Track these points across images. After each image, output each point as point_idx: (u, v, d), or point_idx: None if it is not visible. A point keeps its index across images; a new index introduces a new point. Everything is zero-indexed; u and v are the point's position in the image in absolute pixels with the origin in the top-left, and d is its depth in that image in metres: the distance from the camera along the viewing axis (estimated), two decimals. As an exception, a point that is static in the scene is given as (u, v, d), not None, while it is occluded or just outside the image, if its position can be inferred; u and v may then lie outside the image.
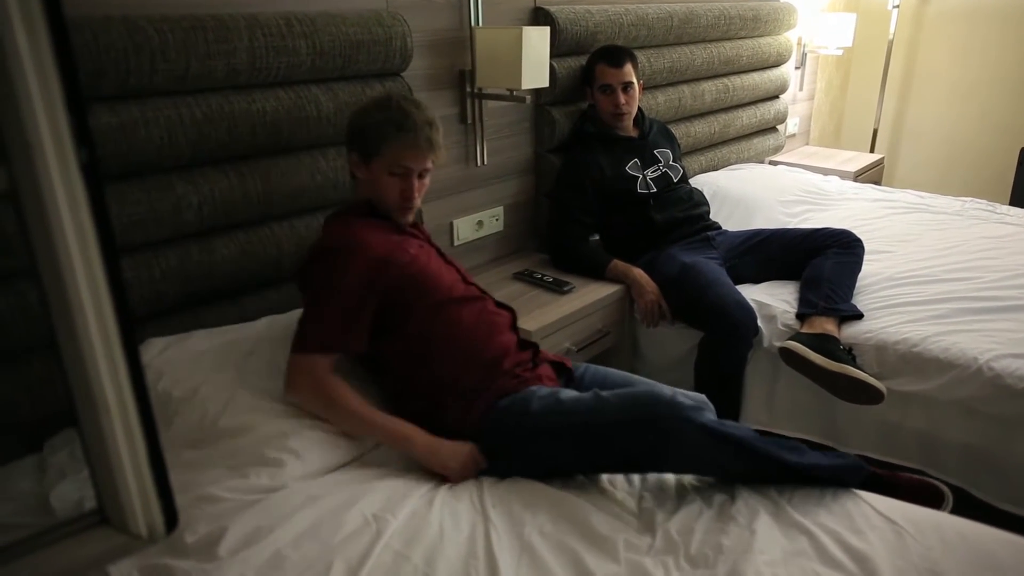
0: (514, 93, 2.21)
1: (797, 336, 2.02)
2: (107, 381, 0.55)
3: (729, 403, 2.16)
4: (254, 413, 1.41)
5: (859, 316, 2.08)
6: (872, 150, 4.41)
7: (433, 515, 1.23)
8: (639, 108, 2.52)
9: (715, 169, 3.26)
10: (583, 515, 1.27)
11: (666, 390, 1.43)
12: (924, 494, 1.48)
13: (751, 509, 1.30)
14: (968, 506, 1.67)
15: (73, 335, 0.53)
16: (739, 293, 2.16)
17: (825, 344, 1.97)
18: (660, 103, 2.86)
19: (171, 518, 0.61)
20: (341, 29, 1.79)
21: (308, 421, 1.43)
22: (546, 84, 2.23)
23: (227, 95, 1.65)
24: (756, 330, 2.12)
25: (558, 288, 2.24)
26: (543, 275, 2.31)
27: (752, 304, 2.14)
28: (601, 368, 1.72)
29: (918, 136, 4.55)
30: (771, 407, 2.18)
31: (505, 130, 2.47)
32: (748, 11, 3.23)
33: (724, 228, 2.56)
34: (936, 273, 2.30)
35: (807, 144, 4.46)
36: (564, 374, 1.66)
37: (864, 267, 2.28)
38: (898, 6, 4.15)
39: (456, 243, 2.38)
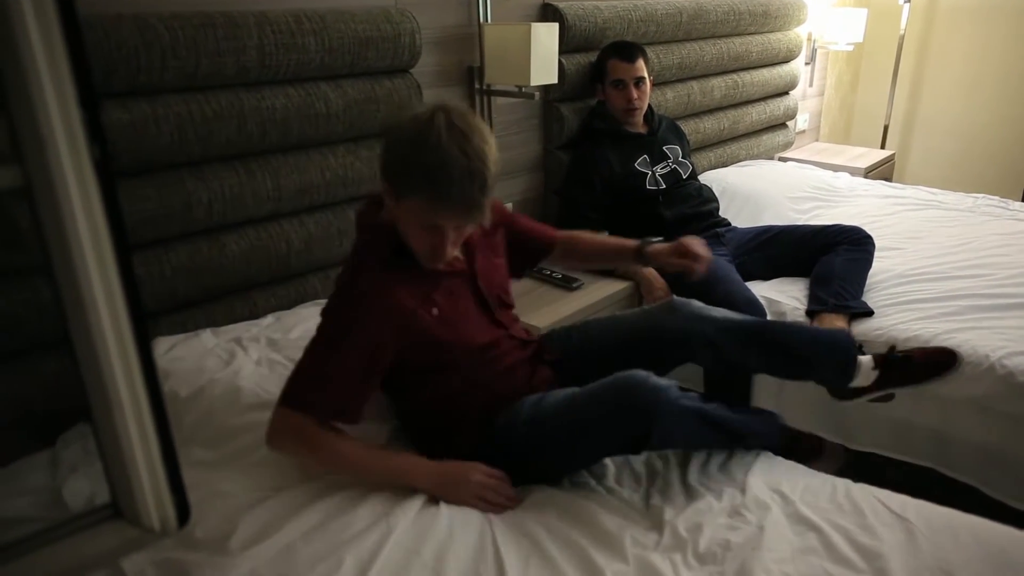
0: (523, 89, 2.21)
1: None
2: (120, 377, 0.55)
3: (739, 400, 2.15)
4: (261, 411, 1.41)
5: (869, 313, 2.07)
6: (883, 146, 4.37)
7: (442, 513, 1.23)
8: (648, 104, 2.52)
9: (724, 165, 3.25)
10: (590, 513, 1.27)
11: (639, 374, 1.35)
12: (937, 357, 1.65)
13: (760, 506, 1.29)
14: (981, 505, 1.66)
15: (87, 331, 0.54)
16: (749, 290, 2.16)
17: None
18: (669, 99, 2.85)
19: (183, 512, 0.62)
20: (350, 26, 1.79)
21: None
22: (555, 80, 2.22)
23: (237, 92, 1.66)
24: (766, 327, 2.11)
25: (567, 285, 2.23)
26: (552, 271, 2.30)
27: (762, 301, 2.13)
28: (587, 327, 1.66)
29: (929, 132, 4.51)
30: (781, 404, 2.17)
31: (514, 127, 2.46)
32: (758, 6, 3.22)
33: (733, 225, 2.56)
34: (947, 270, 2.28)
35: (817, 140, 4.44)
36: (553, 350, 1.59)
37: (874, 264, 2.27)
38: (909, 1, 4.12)
39: (465, 240, 2.38)
